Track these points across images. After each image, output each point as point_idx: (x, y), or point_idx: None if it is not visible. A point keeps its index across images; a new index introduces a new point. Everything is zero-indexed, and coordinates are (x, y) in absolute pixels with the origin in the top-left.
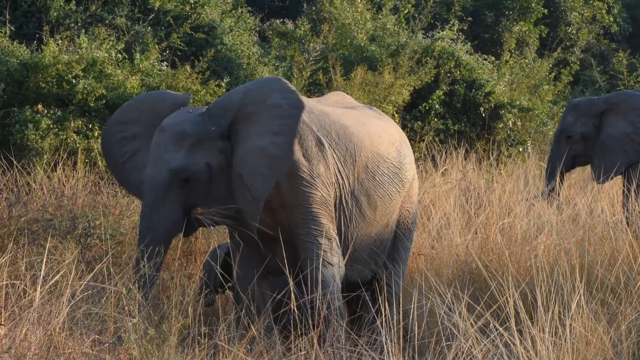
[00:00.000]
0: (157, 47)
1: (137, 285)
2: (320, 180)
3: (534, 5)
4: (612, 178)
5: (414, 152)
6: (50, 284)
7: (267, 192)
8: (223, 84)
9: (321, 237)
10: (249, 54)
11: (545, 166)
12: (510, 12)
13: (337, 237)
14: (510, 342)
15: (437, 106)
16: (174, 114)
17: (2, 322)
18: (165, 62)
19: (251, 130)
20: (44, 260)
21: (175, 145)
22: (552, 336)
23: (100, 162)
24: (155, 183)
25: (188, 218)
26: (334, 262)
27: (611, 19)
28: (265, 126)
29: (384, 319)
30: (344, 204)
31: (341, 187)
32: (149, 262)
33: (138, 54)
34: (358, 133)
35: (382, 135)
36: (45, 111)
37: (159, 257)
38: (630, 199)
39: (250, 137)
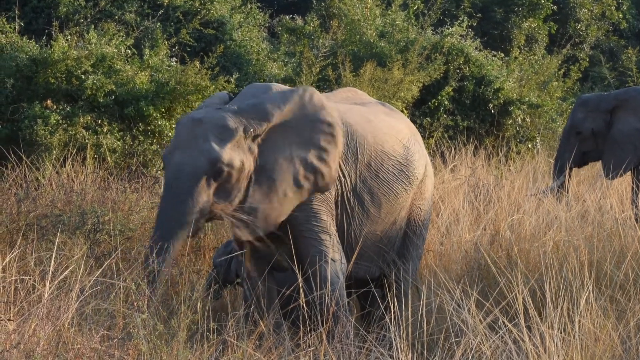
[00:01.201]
0: (166, 42)
1: (148, 273)
2: None
3: (543, 1)
4: (622, 174)
5: None
6: (59, 279)
7: (295, 204)
8: (232, 80)
9: (323, 233)
10: (258, 50)
11: (554, 162)
12: (520, 9)
13: (336, 234)
14: (519, 339)
15: (446, 102)
16: (204, 109)
17: (11, 318)
18: (174, 58)
19: (288, 139)
20: (53, 256)
21: (218, 137)
22: (561, 332)
23: (109, 158)
24: (192, 171)
25: None
26: (336, 258)
27: (620, 15)
28: (307, 138)
29: (392, 315)
30: (346, 201)
31: (343, 185)
32: (171, 248)
33: (147, 50)
34: (362, 130)
35: (388, 132)
36: (55, 107)
37: (180, 245)
38: (639, 196)
39: (287, 146)
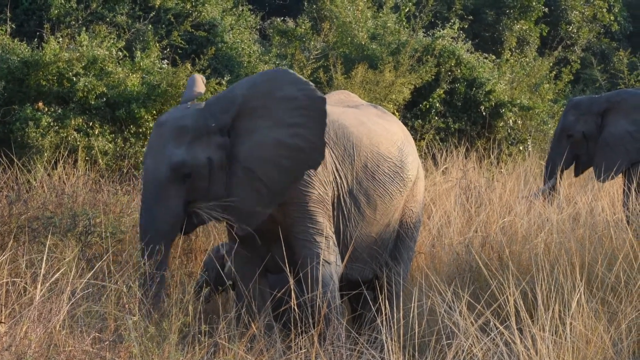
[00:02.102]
0: (157, 45)
1: (139, 283)
2: (317, 179)
3: (534, 3)
4: (613, 177)
5: None
6: (50, 281)
7: (289, 184)
8: (224, 82)
9: (318, 235)
10: (250, 52)
11: (545, 165)
12: (511, 11)
13: (333, 236)
14: (510, 341)
15: (437, 105)
16: (173, 109)
17: (3, 320)
18: (166, 60)
19: (257, 123)
20: (45, 258)
21: (176, 140)
22: (552, 335)
23: (100, 160)
24: (155, 178)
25: (187, 215)
26: (331, 260)
27: (612, 17)
28: (278, 118)
29: (384, 317)
30: (342, 203)
31: (339, 187)
32: (150, 260)
33: (139, 52)
34: (357, 132)
35: (382, 134)
36: (46, 109)
37: (161, 254)
38: (630, 198)
39: (258, 130)
